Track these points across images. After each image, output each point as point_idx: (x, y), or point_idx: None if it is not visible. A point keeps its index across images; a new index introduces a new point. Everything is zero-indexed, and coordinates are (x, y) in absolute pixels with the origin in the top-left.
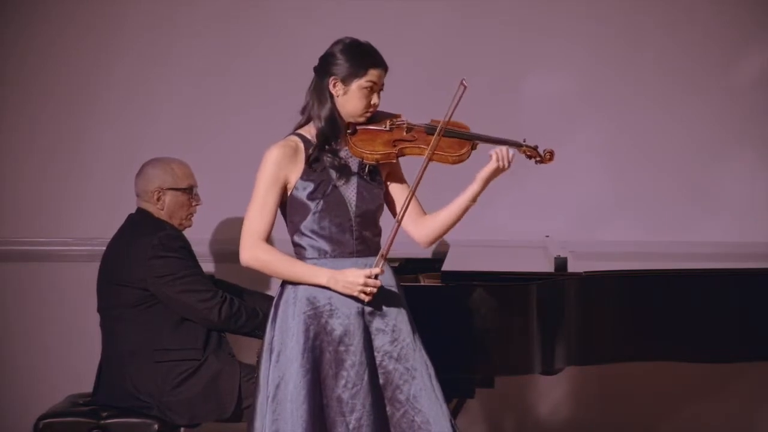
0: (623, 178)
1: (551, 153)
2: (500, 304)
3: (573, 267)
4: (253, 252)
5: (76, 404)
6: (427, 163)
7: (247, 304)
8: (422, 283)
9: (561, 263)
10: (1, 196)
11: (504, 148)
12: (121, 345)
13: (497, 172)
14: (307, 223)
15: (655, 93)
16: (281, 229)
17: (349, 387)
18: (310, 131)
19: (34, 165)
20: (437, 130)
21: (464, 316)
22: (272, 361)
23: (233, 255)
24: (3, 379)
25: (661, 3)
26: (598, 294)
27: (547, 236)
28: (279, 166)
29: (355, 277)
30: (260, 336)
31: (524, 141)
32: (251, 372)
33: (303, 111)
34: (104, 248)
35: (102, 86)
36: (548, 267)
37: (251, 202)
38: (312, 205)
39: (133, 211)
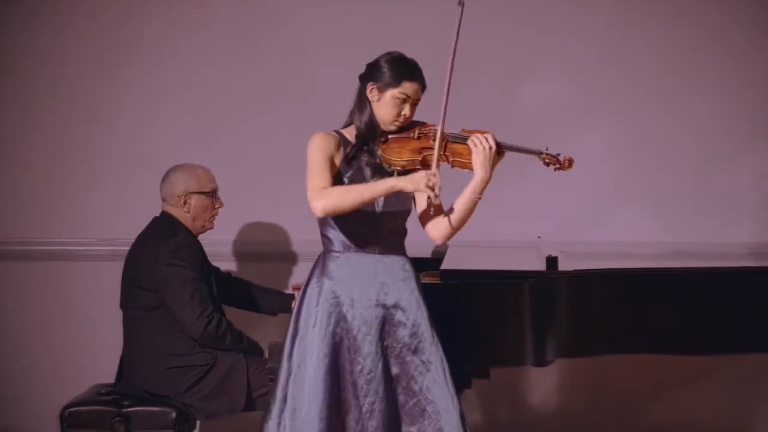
0: (623, 179)
1: (570, 160)
2: (495, 300)
3: (563, 266)
4: (323, 194)
5: (99, 393)
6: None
7: (235, 328)
8: (423, 281)
9: (552, 262)
10: (35, 200)
11: (479, 135)
12: (137, 347)
13: (481, 156)
14: (335, 217)
15: (655, 93)
16: (300, 230)
17: (364, 373)
18: (350, 132)
19: (59, 167)
20: (438, 139)
21: (462, 312)
22: (297, 343)
23: (251, 255)
24: (30, 370)
25: (662, 3)
26: (586, 291)
27: (539, 237)
28: (327, 144)
29: (418, 174)
30: (249, 353)
31: (546, 149)
32: (260, 365)
33: (350, 115)
34: (126, 248)
35: (121, 88)
36: (540, 266)
37: (308, 172)
38: None
39: (157, 213)
